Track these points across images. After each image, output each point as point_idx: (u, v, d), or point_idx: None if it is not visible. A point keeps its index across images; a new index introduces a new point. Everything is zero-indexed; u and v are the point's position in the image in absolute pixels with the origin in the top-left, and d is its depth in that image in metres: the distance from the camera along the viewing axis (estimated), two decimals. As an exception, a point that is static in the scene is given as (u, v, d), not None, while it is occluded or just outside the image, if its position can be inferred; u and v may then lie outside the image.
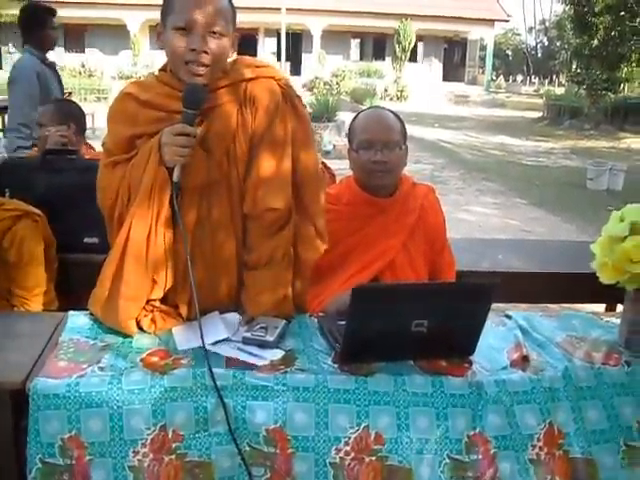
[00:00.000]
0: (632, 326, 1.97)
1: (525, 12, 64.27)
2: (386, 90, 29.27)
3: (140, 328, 1.92)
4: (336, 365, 1.77)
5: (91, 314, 1.98)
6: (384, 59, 34.46)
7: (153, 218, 1.86)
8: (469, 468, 1.69)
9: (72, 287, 2.61)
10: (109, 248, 1.95)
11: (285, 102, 1.98)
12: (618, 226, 1.89)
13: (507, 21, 37.23)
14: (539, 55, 57.61)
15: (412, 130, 18.10)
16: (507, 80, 49.58)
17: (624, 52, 19.27)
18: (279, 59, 29.26)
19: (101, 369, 1.70)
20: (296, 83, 26.93)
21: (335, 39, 33.11)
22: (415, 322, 1.71)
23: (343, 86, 27.57)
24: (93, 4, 28.55)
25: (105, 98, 23.13)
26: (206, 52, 1.81)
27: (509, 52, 61.74)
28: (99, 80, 26.70)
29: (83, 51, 31.50)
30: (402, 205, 2.36)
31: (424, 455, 1.68)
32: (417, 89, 29.78)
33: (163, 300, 1.99)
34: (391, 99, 28.55)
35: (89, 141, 3.59)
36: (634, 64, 19.68)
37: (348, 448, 1.66)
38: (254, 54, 32.31)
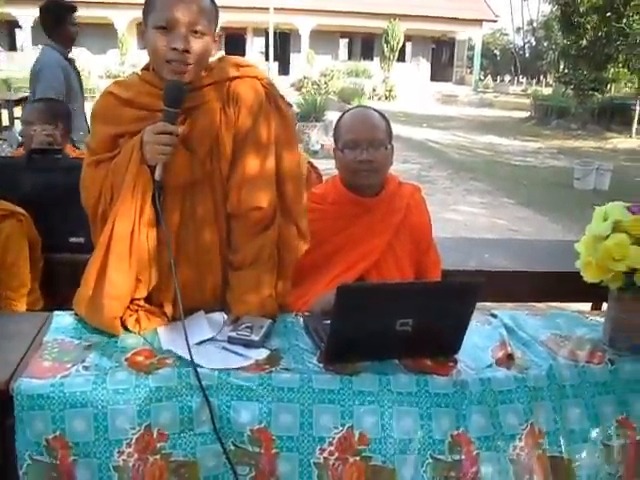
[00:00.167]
0: (616, 324, 1.99)
1: (513, 12, 64.60)
2: (374, 90, 29.30)
3: (125, 328, 1.91)
4: (321, 364, 1.77)
5: (76, 314, 1.98)
6: (372, 59, 34.51)
7: (136, 217, 1.85)
8: (452, 468, 1.70)
9: (57, 287, 2.61)
10: (94, 248, 1.95)
11: (269, 102, 1.98)
12: (601, 225, 1.90)
13: (495, 21, 37.36)
14: (527, 55, 57.79)
15: (400, 130, 18.16)
16: (495, 80, 49.70)
17: (611, 52, 19.37)
18: (267, 59, 29.25)
19: (86, 368, 1.70)
20: (284, 83, 26.96)
21: (323, 39, 33.12)
22: (400, 321, 1.71)
23: (331, 86, 27.56)
24: (80, 3, 28.25)
25: (93, 97, 22.97)
26: (187, 51, 1.81)
27: (497, 52, 61.93)
28: (87, 79, 26.53)
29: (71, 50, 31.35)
30: (388, 204, 2.37)
31: (407, 455, 1.69)
32: (405, 89, 29.82)
33: (148, 299, 1.98)
34: (379, 99, 28.57)
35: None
36: (621, 65, 19.78)
37: (332, 448, 1.67)
38: (242, 54, 32.28)
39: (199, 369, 1.68)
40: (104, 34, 29.97)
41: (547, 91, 33.09)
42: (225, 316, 1.99)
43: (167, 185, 1.89)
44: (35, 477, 1.61)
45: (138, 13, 1.95)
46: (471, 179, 12.19)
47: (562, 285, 2.83)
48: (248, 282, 1.98)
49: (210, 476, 1.67)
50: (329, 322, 1.76)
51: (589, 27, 19.31)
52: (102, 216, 1.94)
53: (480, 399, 1.75)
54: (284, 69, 32.80)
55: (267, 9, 27.30)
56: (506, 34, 63.12)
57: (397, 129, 18.42)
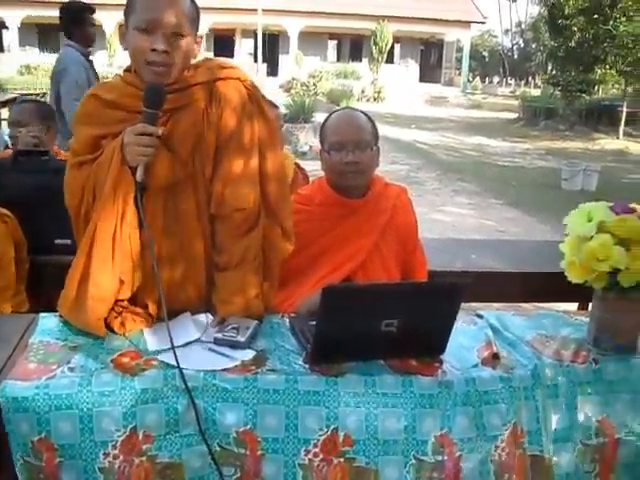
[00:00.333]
0: (600, 324, 2.00)
1: (501, 14, 64.77)
2: (363, 91, 29.34)
3: (110, 329, 1.91)
4: (307, 365, 1.77)
5: (61, 316, 1.97)
6: (361, 60, 34.55)
7: (118, 218, 1.86)
8: (434, 469, 1.71)
9: (43, 289, 2.59)
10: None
11: (252, 103, 1.99)
12: (586, 226, 1.91)
13: (483, 23, 37.45)
14: (515, 57, 58.01)
15: (388, 131, 18.22)
16: (483, 81, 49.91)
17: (598, 54, 19.49)
18: (256, 60, 29.24)
19: (71, 370, 1.69)
20: (273, 84, 26.94)
21: (312, 40, 33.14)
22: (385, 322, 1.72)
23: (320, 87, 27.58)
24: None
25: (82, 98, 22.88)
26: (168, 52, 1.82)
27: (485, 54, 62.13)
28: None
29: (58, 51, 31.14)
30: (374, 205, 2.37)
31: (391, 456, 1.70)
32: (394, 90, 29.87)
33: (132, 300, 1.98)
34: (368, 100, 28.62)
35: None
36: (608, 66, 19.90)
37: (317, 450, 1.67)
38: (231, 55, 32.26)
39: (185, 370, 1.68)
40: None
41: (535, 92, 33.25)
42: (211, 317, 1.99)
43: (149, 186, 1.89)
44: (27, 477, 1.62)
45: (126, 14, 1.95)
46: (459, 180, 12.22)
47: (549, 285, 2.84)
48: (234, 283, 1.98)
49: (195, 477, 1.67)
50: (315, 323, 1.76)
51: (575, 29, 19.40)
52: (85, 217, 1.94)
53: (465, 400, 1.76)
54: (273, 70, 32.80)
55: (255, 10, 27.29)
56: (494, 36, 63.39)
57: (386, 130, 18.47)
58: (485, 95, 37.60)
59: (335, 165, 2.29)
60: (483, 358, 1.89)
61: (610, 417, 1.85)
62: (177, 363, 1.68)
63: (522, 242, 5.43)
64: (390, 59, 33.85)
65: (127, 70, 1.98)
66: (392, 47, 32.89)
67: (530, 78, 51.56)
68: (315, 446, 1.67)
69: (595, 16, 18.82)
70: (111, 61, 28.69)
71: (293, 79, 29.02)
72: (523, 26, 57.30)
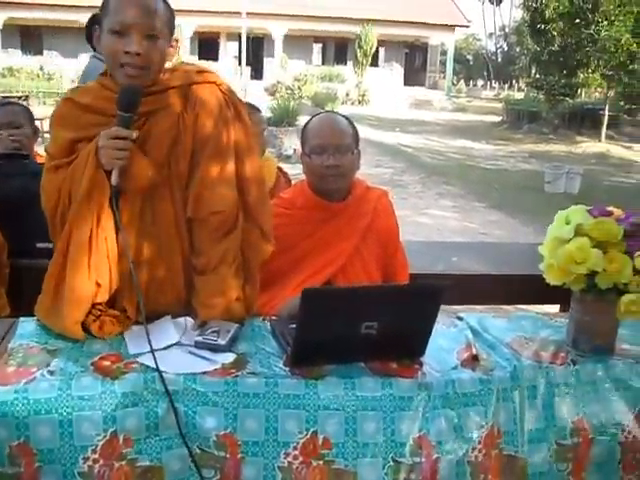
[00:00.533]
0: (578, 326, 2.02)
1: (485, 18, 65.06)
2: (348, 94, 29.40)
3: (89, 333, 1.90)
4: (287, 368, 1.78)
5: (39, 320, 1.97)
6: (346, 63, 34.61)
7: (93, 222, 1.86)
8: (412, 470, 1.72)
9: (24, 293, 2.57)
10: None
11: (228, 107, 1.99)
12: (564, 229, 1.93)
13: (467, 26, 37.65)
14: (499, 60, 58.29)
15: (373, 134, 18.28)
16: (468, 85, 50.11)
17: (581, 58, 19.62)
18: (240, 63, 29.21)
19: (51, 373, 1.68)
20: (258, 87, 26.91)
21: (297, 43, 33.16)
22: (365, 324, 1.72)
23: (305, 90, 27.60)
24: (51, 6, 28.19)
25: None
26: (141, 55, 1.82)
27: (470, 57, 62.42)
28: (58, 83, 26.31)
29: (41, 53, 31.03)
30: (355, 209, 2.38)
31: (369, 458, 1.70)
32: (378, 93, 29.96)
33: (111, 303, 1.97)
34: (352, 103, 28.69)
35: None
36: (591, 70, 20.04)
37: (297, 452, 1.68)
38: (216, 58, 32.22)
39: (165, 374, 1.68)
40: (75, 37, 29.74)
41: (519, 96, 33.42)
42: (192, 320, 1.99)
43: (125, 189, 1.88)
44: None
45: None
46: (443, 183, 12.28)
47: (530, 288, 2.86)
48: (213, 286, 1.98)
49: (176, 480, 1.67)
50: (295, 326, 1.76)
51: (555, 34, 19.52)
52: (61, 221, 1.93)
53: (444, 401, 1.77)
54: (257, 74, 32.79)
55: (240, 14, 27.27)
56: (479, 39, 63.70)
57: (370, 134, 18.52)
58: (469, 98, 37.76)
59: (316, 168, 2.30)
60: (463, 360, 1.91)
61: (585, 417, 1.87)
62: (157, 367, 1.68)
63: (504, 245, 5.48)
64: (375, 62, 33.95)
65: (103, 73, 1.98)
66: (377, 50, 33.01)
67: (514, 81, 51.83)
68: (295, 449, 1.67)
69: (577, 20, 18.95)
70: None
71: (278, 82, 29.03)
72: (507, 30, 57.61)
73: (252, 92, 23.14)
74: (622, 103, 24.19)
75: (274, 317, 2.11)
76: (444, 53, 37.35)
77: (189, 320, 2.00)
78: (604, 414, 1.88)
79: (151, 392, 1.67)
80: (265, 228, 2.09)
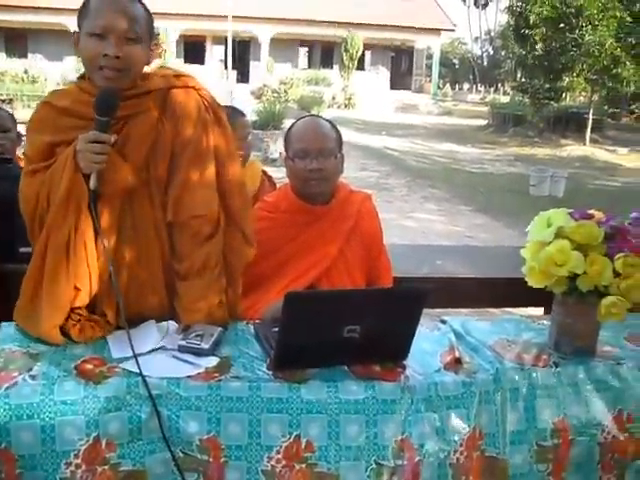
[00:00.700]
0: (560, 328, 2.03)
1: (471, 22, 65.34)
2: (334, 98, 29.46)
3: (68, 337, 1.89)
4: (270, 372, 1.78)
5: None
6: (332, 67, 34.66)
7: (72, 226, 1.86)
8: (394, 473, 1.73)
9: (7, 297, 2.56)
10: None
11: (207, 112, 2.00)
12: (545, 231, 1.94)
13: (453, 30, 37.80)
14: (485, 64, 58.56)
15: (359, 138, 18.31)
16: (454, 88, 50.26)
17: (565, 62, 19.74)
18: (226, 67, 29.19)
19: (32, 377, 1.68)
20: (244, 90, 26.89)
21: (283, 47, 33.17)
22: (347, 328, 1.73)
23: (291, 94, 27.62)
24: (36, 9, 28.07)
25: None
26: (119, 57, 1.82)
27: (456, 61, 62.66)
28: (43, 86, 26.16)
29: (25, 56, 30.86)
30: (339, 212, 2.38)
31: (352, 461, 1.71)
32: (365, 97, 30.03)
33: (91, 308, 1.97)
34: (339, 107, 28.74)
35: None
36: (575, 74, 20.17)
37: (280, 456, 1.68)
38: (202, 61, 32.17)
39: (148, 378, 1.67)
40: (60, 40, 29.60)
41: (505, 99, 33.61)
42: (175, 325, 1.99)
43: (103, 193, 1.88)
44: None
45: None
46: (429, 186, 12.33)
47: (514, 291, 2.88)
48: (196, 290, 1.98)
49: (158, 484, 1.67)
50: (278, 329, 1.77)
51: (537, 38, 19.64)
52: (39, 225, 1.93)
53: (427, 404, 1.78)
54: (244, 77, 32.76)
55: (226, 17, 27.25)
56: (464, 43, 64.01)
57: (356, 137, 18.54)
58: (455, 102, 37.92)
59: (299, 172, 2.30)
60: (446, 363, 1.92)
61: (566, 419, 1.88)
62: (140, 371, 1.67)
63: (489, 248, 5.51)
64: (361, 66, 33.99)
65: (81, 77, 1.98)
66: (363, 54, 33.04)
67: (499, 85, 52.08)
68: (278, 452, 1.68)
69: (561, 25, 19.07)
70: (79, 66, 28.15)
71: (264, 85, 29.03)
72: (492, 34, 57.92)
73: (238, 95, 23.13)
74: (606, 107, 24.42)
75: (258, 321, 2.11)
76: (430, 57, 37.45)
77: (173, 324, 2.00)
78: (584, 415, 1.90)
79: (134, 396, 1.67)
80: (247, 232, 2.10)
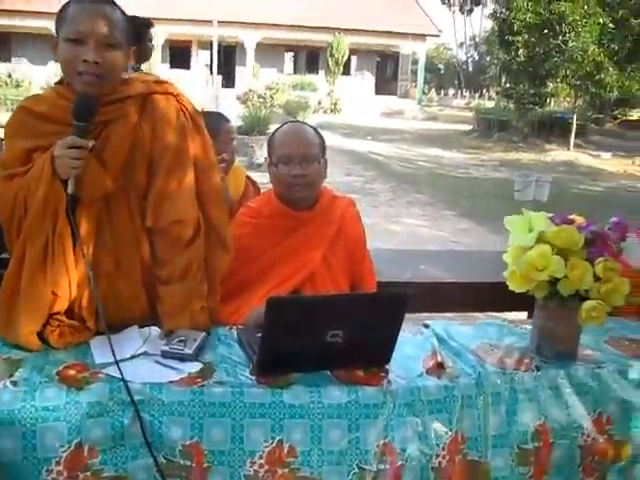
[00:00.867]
0: (542, 332, 2.05)
1: (456, 28, 65.61)
2: (319, 103, 29.49)
3: (47, 343, 1.88)
4: (253, 377, 1.78)
5: None
6: (317, 72, 34.69)
7: (49, 231, 1.85)
8: (377, 477, 1.73)
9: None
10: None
11: (185, 118, 2.00)
12: (526, 236, 1.96)
13: (438, 36, 37.95)
14: (470, 69, 58.84)
15: (344, 143, 18.35)
16: (439, 93, 50.52)
17: (549, 68, 19.86)
18: (212, 71, 29.17)
19: (14, 384, 1.67)
20: (230, 95, 26.87)
21: (269, 52, 33.18)
22: (330, 332, 1.73)
23: (277, 99, 27.60)
24: (20, 12, 27.96)
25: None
26: (98, 63, 1.81)
27: (441, 66, 62.96)
28: (27, 90, 26.00)
29: (9, 60, 30.69)
30: (322, 217, 2.39)
31: (335, 466, 1.71)
32: (350, 102, 30.09)
33: (70, 314, 1.96)
34: (324, 112, 28.79)
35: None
36: (559, 80, 20.31)
37: (262, 461, 1.68)
38: (187, 66, 32.12)
39: (131, 384, 1.67)
40: (45, 45, 29.44)
41: (490, 104, 33.76)
42: (158, 330, 1.99)
43: (82, 198, 1.88)
44: None
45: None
46: (414, 191, 12.36)
47: (498, 295, 2.89)
48: (179, 296, 1.98)
49: (141, 489, 1.66)
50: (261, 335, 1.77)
51: (520, 45, 19.75)
52: (17, 230, 1.92)
53: (409, 409, 1.79)
54: (229, 82, 32.72)
55: (212, 22, 27.24)
56: (450, 49, 64.30)
57: (341, 142, 18.54)
58: (440, 107, 38.11)
59: (283, 178, 2.31)
60: (428, 368, 1.93)
61: (547, 422, 1.90)
62: (122, 376, 1.67)
63: (473, 253, 5.53)
64: (346, 71, 34.07)
65: (59, 82, 1.97)
66: (348, 59, 33.12)
67: (484, 90, 52.38)
68: (260, 457, 1.68)
69: (545, 31, 19.20)
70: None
71: (250, 91, 28.98)
72: (477, 39, 58.24)
73: (224, 101, 23.11)
74: (590, 112, 24.61)
75: (241, 326, 2.11)
76: (415, 62, 37.56)
77: (156, 329, 2.00)
78: (565, 418, 1.92)
79: (117, 402, 1.66)
80: (225, 239, 2.10)
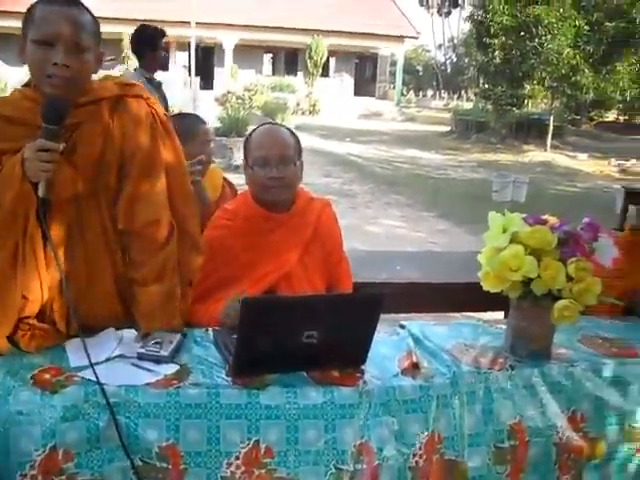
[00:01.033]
0: (516, 332, 2.07)
1: (434, 29, 65.80)
2: (298, 104, 29.47)
3: (17, 347, 1.87)
4: (229, 378, 1.78)
5: None
6: (296, 74, 34.66)
7: (20, 234, 1.84)
8: (353, 477, 1.74)
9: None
10: None
11: (155, 121, 2.00)
12: (500, 237, 1.98)
13: (416, 38, 38.03)
14: (448, 71, 59.06)
15: (323, 144, 18.36)
16: (417, 95, 50.67)
17: (526, 70, 19.99)
18: (190, 73, 29.04)
19: (-12, 388, 1.66)
20: (208, 97, 26.79)
21: (247, 53, 33.10)
22: (306, 333, 1.74)
23: (256, 100, 27.55)
24: (-3, 13, 27.70)
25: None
26: (68, 66, 1.80)
27: (419, 68, 63.11)
28: (2, 92, 25.75)
29: (-5, 63, 30.39)
30: (299, 219, 2.39)
31: (312, 466, 1.72)
32: (329, 104, 30.08)
33: (41, 317, 1.95)
34: (303, 113, 28.76)
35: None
36: (535, 82, 20.44)
37: (239, 462, 1.69)
38: (166, 68, 31.95)
39: (106, 387, 1.67)
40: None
41: (468, 105, 33.93)
42: (135, 332, 1.98)
43: (52, 201, 1.87)
44: None
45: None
46: (392, 193, 12.38)
47: (474, 295, 2.91)
48: (155, 297, 1.98)
49: (117, 493, 1.66)
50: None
51: (497, 47, 19.88)
52: None
53: (385, 409, 1.80)
54: (208, 84, 32.59)
55: (189, 23, 27.12)
56: (428, 50, 64.45)
57: (320, 144, 18.53)
58: (419, 108, 38.21)
59: (259, 180, 2.31)
60: (403, 368, 1.94)
61: (522, 420, 1.91)
62: (97, 379, 1.67)
63: (450, 253, 5.56)
64: (325, 73, 34.07)
65: (26, 85, 1.95)
66: (327, 61, 33.13)
67: (463, 92, 52.60)
68: (237, 458, 1.68)
69: (522, 33, 19.32)
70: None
71: (228, 92, 28.89)
72: (455, 41, 58.47)
73: (202, 102, 23.03)
74: (566, 114, 24.81)
75: (217, 327, 2.11)
76: (394, 64, 37.67)
77: (132, 332, 1.99)
78: (540, 417, 1.94)
79: (92, 405, 1.66)
80: (196, 241, 2.11)
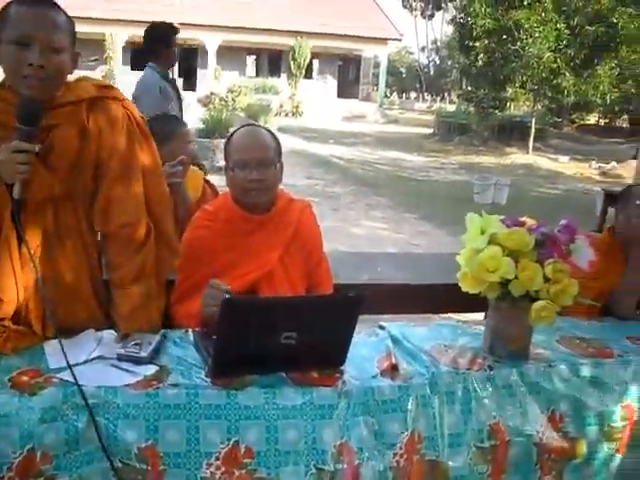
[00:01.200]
0: (494, 333, 2.09)
1: (418, 32, 66.08)
2: (281, 106, 29.48)
3: None
4: (208, 379, 1.79)
5: None
6: (280, 76, 34.64)
7: None
8: (334, 477, 1.75)
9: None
10: None
11: (131, 123, 2.00)
12: (478, 238, 1.99)
13: (399, 40, 38.12)
14: (431, 73, 59.32)
15: (306, 146, 18.37)
16: (400, 97, 50.89)
17: (507, 73, 20.10)
18: (173, 74, 28.97)
19: (-37, 392, 1.65)
20: (191, 98, 26.70)
21: (231, 55, 33.03)
22: (285, 334, 1.75)
23: (239, 102, 27.52)
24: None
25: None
26: (42, 67, 1.79)
27: (403, 70, 63.33)
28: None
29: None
30: (279, 220, 2.39)
31: (292, 466, 1.72)
32: (312, 105, 30.11)
33: (16, 318, 1.94)
34: (286, 115, 28.77)
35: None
36: (517, 85, 20.56)
37: (219, 462, 1.69)
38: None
39: (85, 388, 1.66)
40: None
41: (451, 108, 34.12)
42: (114, 333, 1.98)
43: (28, 203, 1.86)
44: None
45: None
46: (374, 195, 12.42)
47: (454, 296, 2.92)
48: (133, 299, 1.98)
49: (96, 494, 1.65)
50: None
51: (480, 50, 19.98)
52: None
53: (364, 409, 1.81)
54: (191, 85, 32.50)
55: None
56: (411, 52, 64.70)
57: (303, 145, 18.53)
58: (402, 110, 38.36)
59: (239, 182, 2.31)
60: (382, 369, 1.95)
61: (502, 420, 1.93)
62: (75, 380, 1.66)
63: (431, 255, 5.57)
64: (309, 74, 34.07)
65: (0, 85, 1.93)
66: (310, 62, 33.14)
67: (446, 94, 52.84)
68: (217, 459, 1.68)
69: (504, 36, 19.44)
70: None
71: (212, 94, 28.85)
72: (438, 44, 58.72)
73: (185, 103, 22.94)
74: (548, 117, 24.98)
75: (197, 329, 2.11)
76: (377, 66, 37.71)
77: (112, 333, 1.99)
78: (519, 417, 1.95)
79: (71, 406, 1.65)
80: (172, 241, 2.12)
